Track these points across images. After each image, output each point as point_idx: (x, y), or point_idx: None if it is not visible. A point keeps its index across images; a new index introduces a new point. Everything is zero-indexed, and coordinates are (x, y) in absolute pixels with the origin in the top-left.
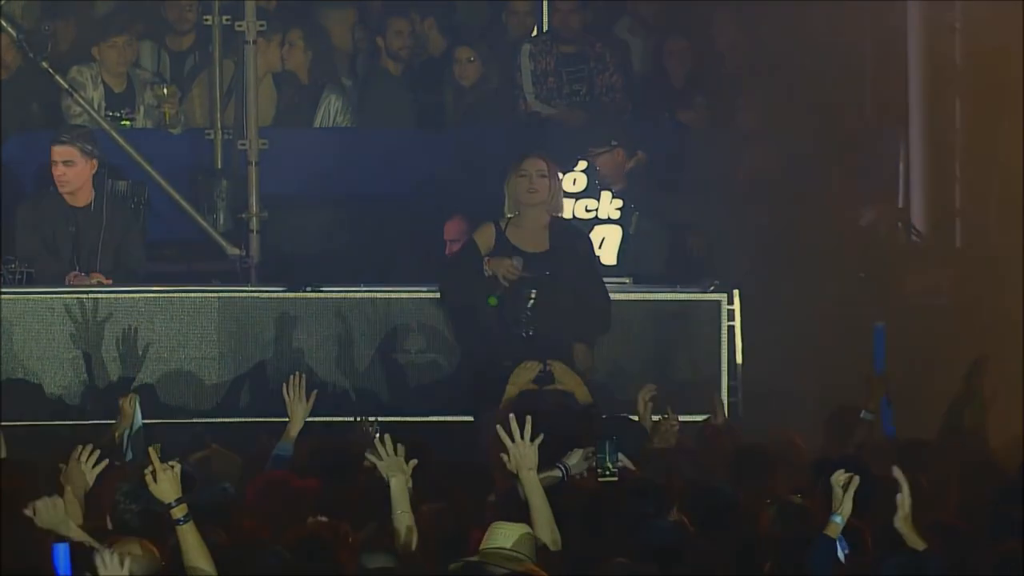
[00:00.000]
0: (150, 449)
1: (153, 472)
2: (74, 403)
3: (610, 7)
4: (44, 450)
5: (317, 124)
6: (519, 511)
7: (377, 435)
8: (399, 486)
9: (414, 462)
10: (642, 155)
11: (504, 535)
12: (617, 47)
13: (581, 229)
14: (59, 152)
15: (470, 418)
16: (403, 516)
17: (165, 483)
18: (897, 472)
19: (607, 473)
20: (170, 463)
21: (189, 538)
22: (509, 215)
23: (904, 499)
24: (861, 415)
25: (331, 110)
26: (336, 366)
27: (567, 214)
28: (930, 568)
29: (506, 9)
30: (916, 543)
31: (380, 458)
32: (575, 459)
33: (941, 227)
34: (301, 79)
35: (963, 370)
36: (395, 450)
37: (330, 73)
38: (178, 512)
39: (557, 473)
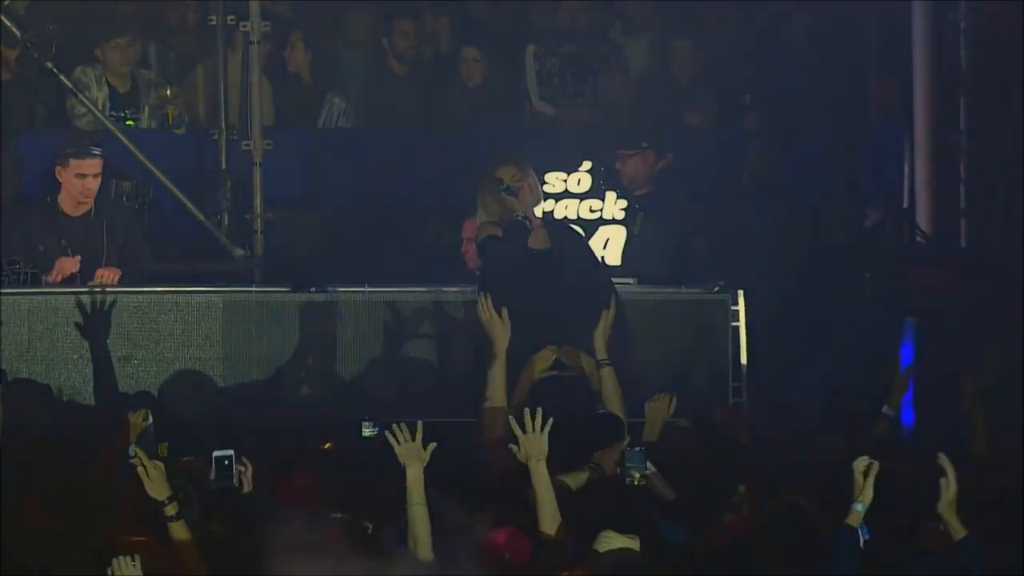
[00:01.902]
0: (136, 448)
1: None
2: (79, 403)
3: (609, 8)
4: (49, 451)
5: (320, 126)
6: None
7: (374, 433)
8: (415, 475)
9: (432, 446)
10: (671, 157)
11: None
12: (619, 48)
13: (577, 230)
14: (90, 165)
15: (472, 419)
16: (417, 508)
17: (156, 480)
18: (943, 458)
19: (636, 480)
20: (153, 461)
21: (180, 535)
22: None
23: (949, 485)
24: (883, 410)
25: (334, 112)
26: (340, 367)
27: (571, 215)
28: (968, 557)
29: (513, 9)
30: (958, 530)
31: (398, 442)
32: (610, 462)
33: (946, 227)
34: (303, 80)
35: (966, 370)
36: (412, 436)
37: (332, 74)
38: (170, 510)
39: (590, 475)
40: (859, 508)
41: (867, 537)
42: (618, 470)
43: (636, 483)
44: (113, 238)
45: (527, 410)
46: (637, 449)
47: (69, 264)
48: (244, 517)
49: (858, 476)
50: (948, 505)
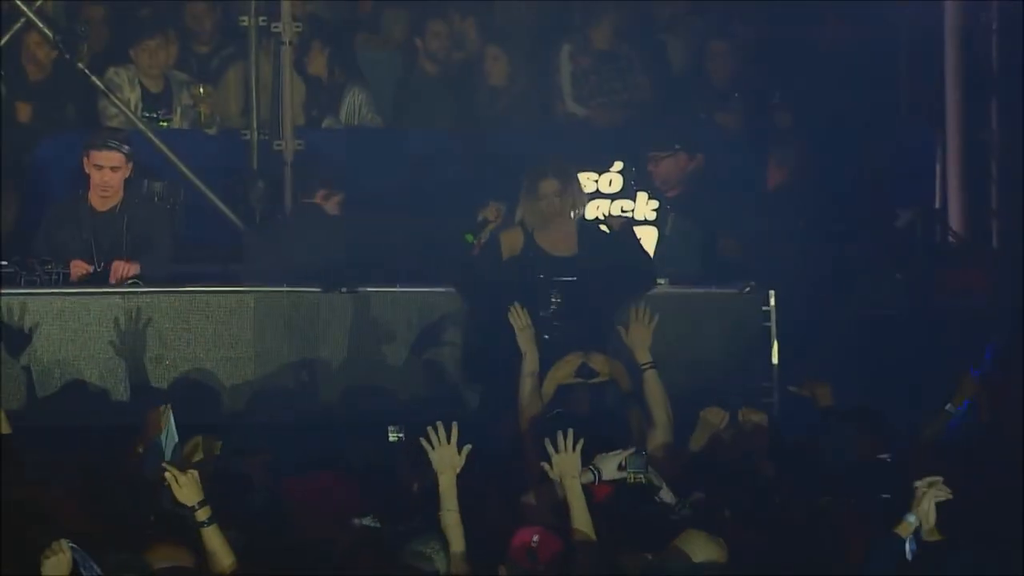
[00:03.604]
0: (164, 464)
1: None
2: (109, 403)
3: (644, 8)
4: (79, 451)
5: (343, 118)
6: (556, 511)
7: (400, 438)
8: (448, 483)
9: (468, 448)
10: (701, 158)
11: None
12: (649, 48)
13: (608, 232)
14: (106, 158)
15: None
16: (449, 515)
17: (187, 487)
18: (918, 487)
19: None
20: (188, 470)
21: (214, 539)
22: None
23: (928, 514)
24: (946, 407)
25: (356, 102)
26: (371, 366)
27: (603, 214)
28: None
29: (546, 9)
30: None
31: (432, 447)
32: (609, 466)
33: (977, 228)
34: (323, 79)
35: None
36: (448, 438)
37: (351, 70)
38: (202, 515)
39: (589, 476)
40: (911, 520)
41: (915, 549)
42: (622, 474)
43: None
44: (131, 233)
45: (559, 432)
46: (640, 453)
47: (82, 266)
48: (269, 519)
49: (919, 492)
50: (930, 533)
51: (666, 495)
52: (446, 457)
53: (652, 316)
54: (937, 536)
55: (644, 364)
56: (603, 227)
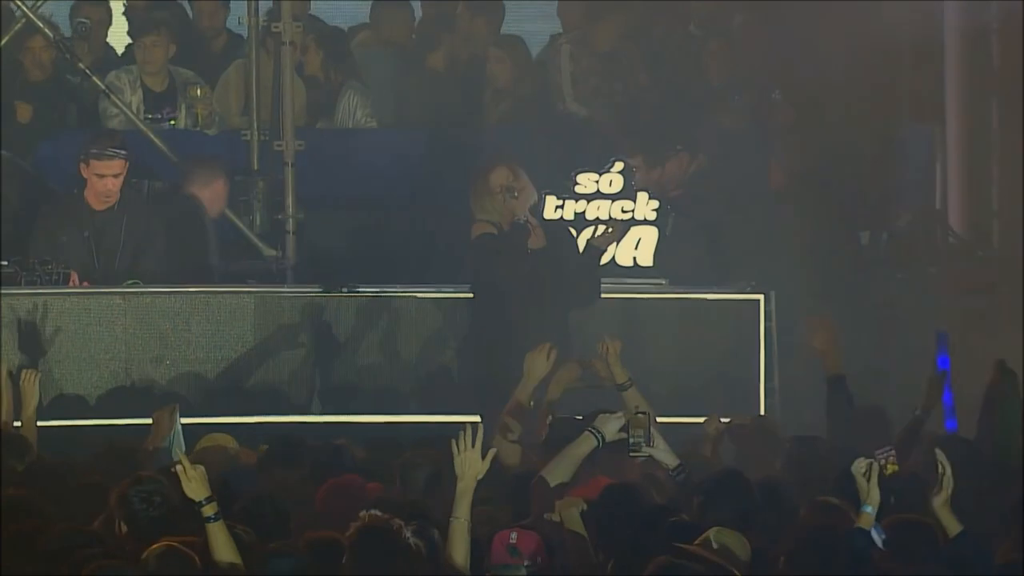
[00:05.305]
0: (176, 450)
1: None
2: (110, 403)
3: (645, 8)
4: (79, 451)
5: (337, 120)
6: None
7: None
8: (464, 489)
9: (493, 453)
10: (703, 158)
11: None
12: (650, 48)
13: (564, 228)
14: (108, 166)
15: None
16: (458, 522)
17: (195, 482)
18: (940, 455)
19: (640, 451)
20: (194, 464)
21: (219, 535)
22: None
23: (947, 482)
24: (916, 412)
25: (351, 105)
26: (371, 366)
27: (603, 215)
28: (967, 551)
29: (547, 8)
30: (953, 527)
31: (459, 451)
32: (611, 428)
33: (978, 228)
34: (320, 80)
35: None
36: (473, 442)
37: (347, 71)
38: (208, 510)
39: (593, 442)
40: (868, 510)
41: (884, 537)
42: (624, 435)
43: (640, 452)
44: (132, 234)
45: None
46: (642, 415)
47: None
48: (276, 518)
49: (860, 480)
50: (943, 503)
51: (668, 458)
52: (468, 462)
53: (612, 337)
54: (958, 528)
55: (622, 384)
56: (571, 229)
